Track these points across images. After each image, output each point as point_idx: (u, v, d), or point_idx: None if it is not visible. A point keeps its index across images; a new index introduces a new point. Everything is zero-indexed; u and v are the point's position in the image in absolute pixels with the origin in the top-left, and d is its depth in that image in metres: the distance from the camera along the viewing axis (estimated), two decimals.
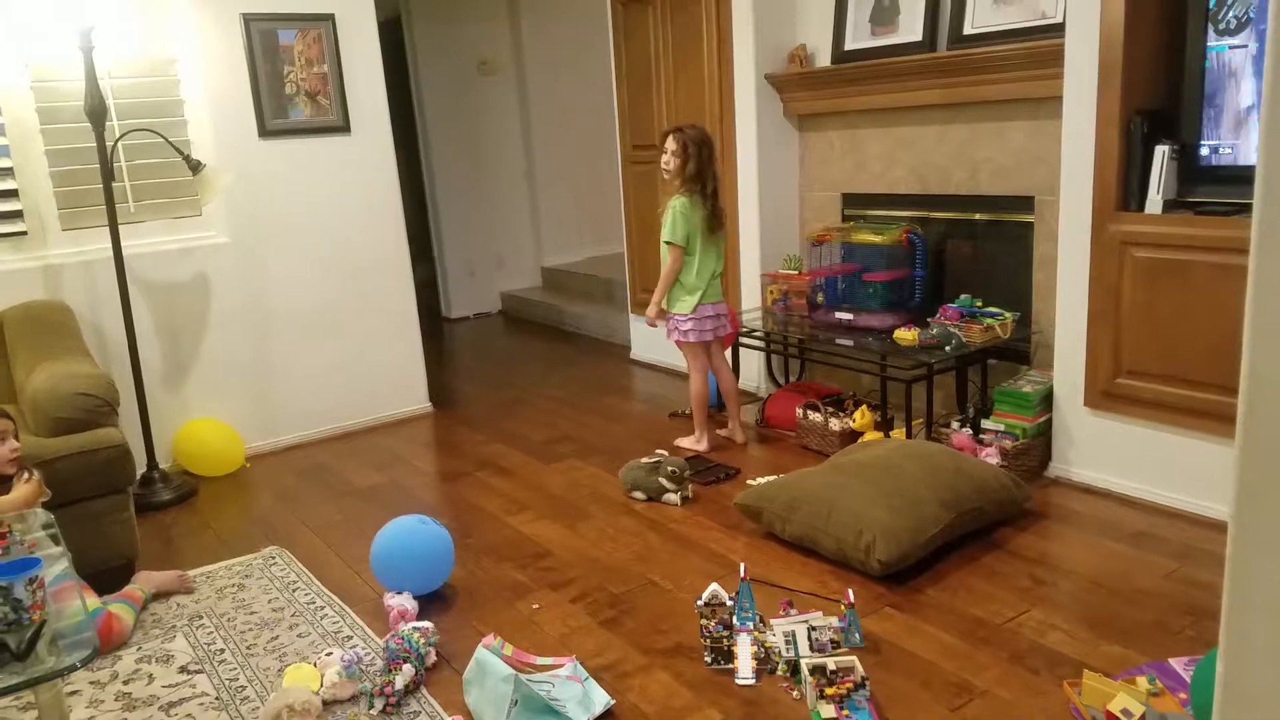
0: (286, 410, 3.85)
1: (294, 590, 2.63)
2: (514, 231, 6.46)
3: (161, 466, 3.45)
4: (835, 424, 3.34)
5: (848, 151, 3.83)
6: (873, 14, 3.59)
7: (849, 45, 3.69)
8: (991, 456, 2.94)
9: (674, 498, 3.01)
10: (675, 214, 3.27)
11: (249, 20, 3.47)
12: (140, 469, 3.41)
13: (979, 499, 2.58)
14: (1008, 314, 3.20)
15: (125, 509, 2.74)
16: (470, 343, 5.84)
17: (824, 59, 3.82)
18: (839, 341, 3.44)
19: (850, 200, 3.89)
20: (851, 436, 3.30)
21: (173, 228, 3.55)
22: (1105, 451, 2.89)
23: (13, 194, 3.22)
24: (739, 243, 4.10)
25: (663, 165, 3.28)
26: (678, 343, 3.49)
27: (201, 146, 3.51)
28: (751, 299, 4.12)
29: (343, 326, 3.93)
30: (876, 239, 3.43)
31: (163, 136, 3.26)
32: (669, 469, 3.00)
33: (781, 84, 3.88)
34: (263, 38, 3.51)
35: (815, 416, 3.42)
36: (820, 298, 3.69)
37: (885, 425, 3.27)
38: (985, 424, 3.05)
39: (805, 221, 4.10)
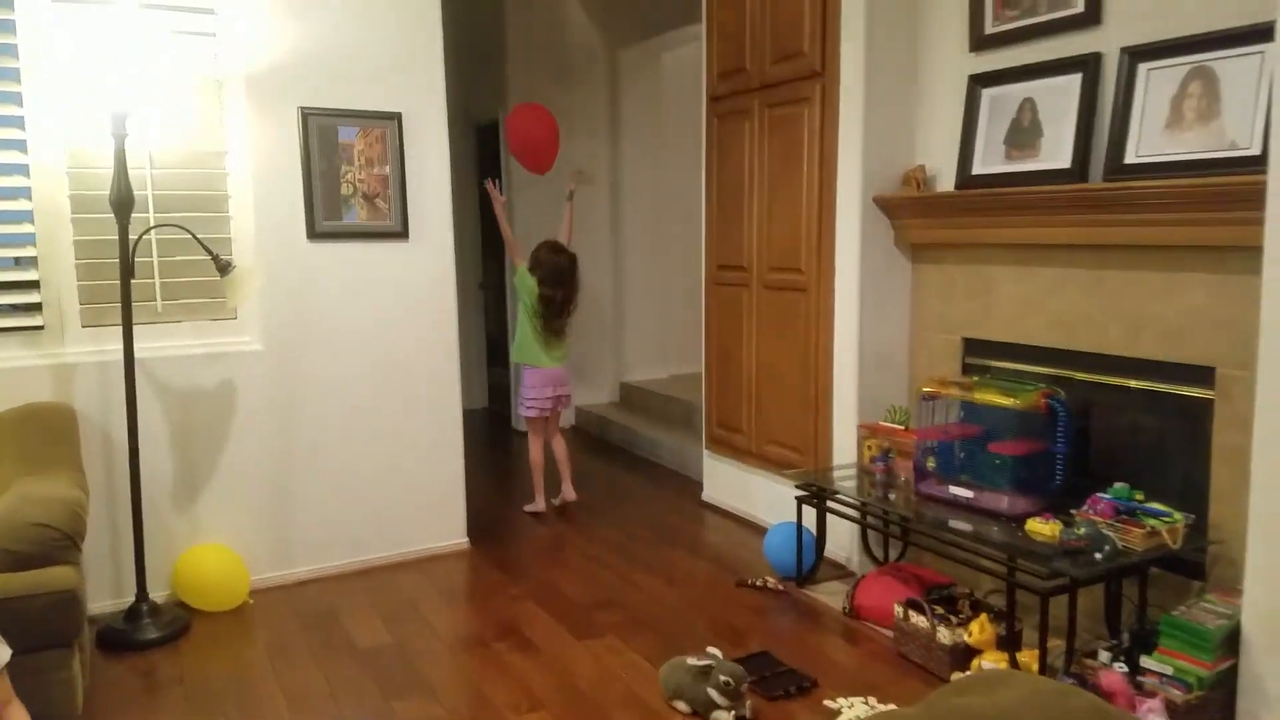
0: (305, 539, 3.42)
1: None
2: (595, 343, 6.05)
3: (155, 598, 3.05)
4: (945, 634, 2.64)
5: (974, 291, 3.23)
6: (1009, 134, 3.05)
7: (978, 169, 3.15)
8: (1155, 713, 2.19)
9: (725, 717, 2.36)
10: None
11: (307, 115, 3.22)
12: (129, 599, 3.01)
13: None
14: (1178, 516, 2.48)
15: (66, 666, 2.31)
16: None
17: (946, 182, 3.28)
18: (953, 524, 2.77)
19: (973, 348, 3.26)
20: (965, 654, 2.59)
21: (203, 330, 3.24)
22: None
23: (34, 285, 2.98)
24: (832, 384, 3.52)
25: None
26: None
27: (244, 245, 3.23)
28: (845, 452, 3.50)
29: (378, 449, 3.52)
30: (1007, 400, 2.78)
31: (190, 233, 2.98)
32: (722, 679, 2.37)
33: (894, 208, 3.35)
34: (321, 134, 3.24)
35: (919, 620, 2.73)
36: (931, 463, 3.04)
37: (1011, 643, 2.56)
38: (1146, 662, 2.31)
39: (916, 367, 3.48)
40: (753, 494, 4.04)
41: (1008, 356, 3.14)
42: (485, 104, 5.99)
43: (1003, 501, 2.76)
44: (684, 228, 5.80)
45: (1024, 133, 3.00)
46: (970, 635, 2.62)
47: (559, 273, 4.11)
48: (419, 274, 3.51)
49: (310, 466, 3.40)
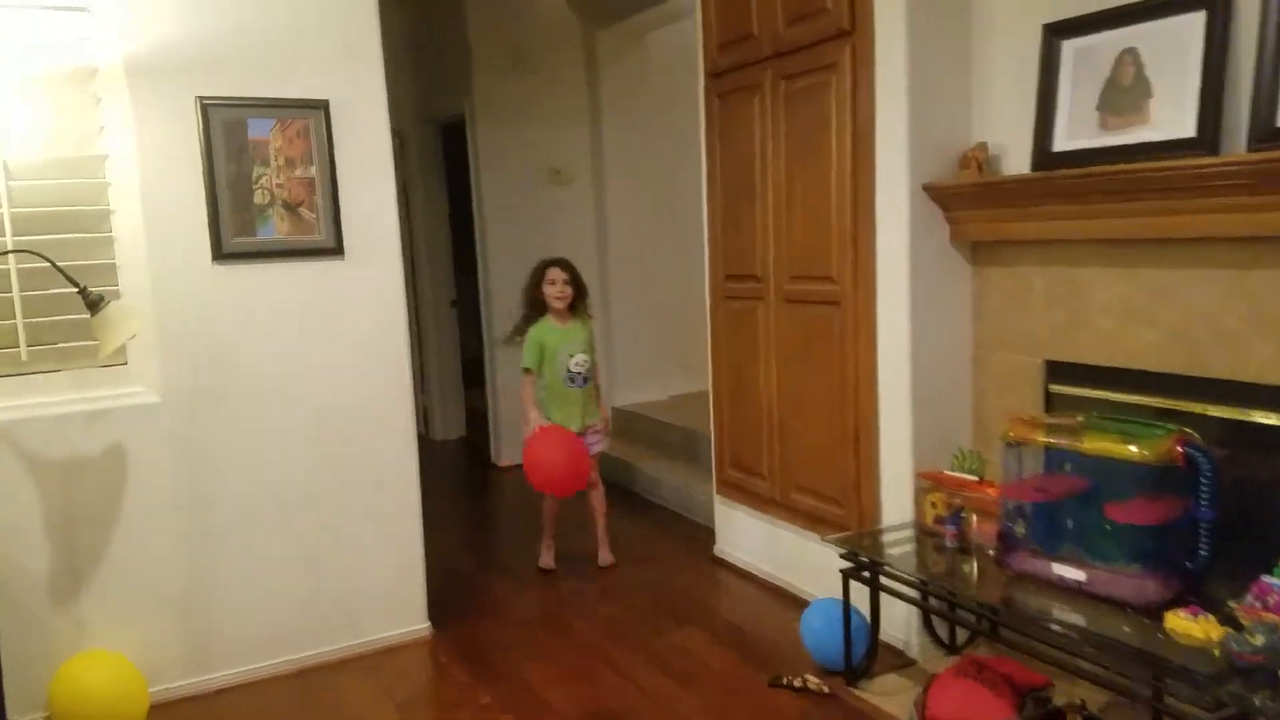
0: (223, 637, 2.73)
1: None
2: None
3: None
4: None
5: (1057, 299, 2.56)
6: (1104, 97, 2.37)
7: (1061, 144, 2.47)
8: None
9: None
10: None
11: (208, 106, 2.53)
12: None
13: None
14: None
15: None
16: (515, 502, 4.67)
17: (1017, 162, 2.60)
18: (1060, 618, 2.09)
19: (1059, 372, 2.59)
20: None
21: (84, 381, 2.55)
22: None
23: None
24: (877, 418, 2.84)
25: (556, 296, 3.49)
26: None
27: (134, 273, 2.54)
28: (896, 504, 2.82)
29: (314, 522, 2.82)
30: (1130, 450, 2.10)
31: (46, 259, 2.29)
32: None
33: (949, 197, 2.68)
34: (227, 129, 2.56)
35: None
36: (1021, 529, 2.36)
37: None
38: None
39: (981, 398, 2.81)
40: (779, 552, 3.35)
41: (1106, 384, 2.46)
42: (449, 98, 5.31)
43: (1127, 585, 2.08)
44: (678, 227, 5.12)
45: (1125, 94, 2.33)
46: None
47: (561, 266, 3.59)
48: (359, 300, 2.81)
49: (228, 547, 2.71)
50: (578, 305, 3.53)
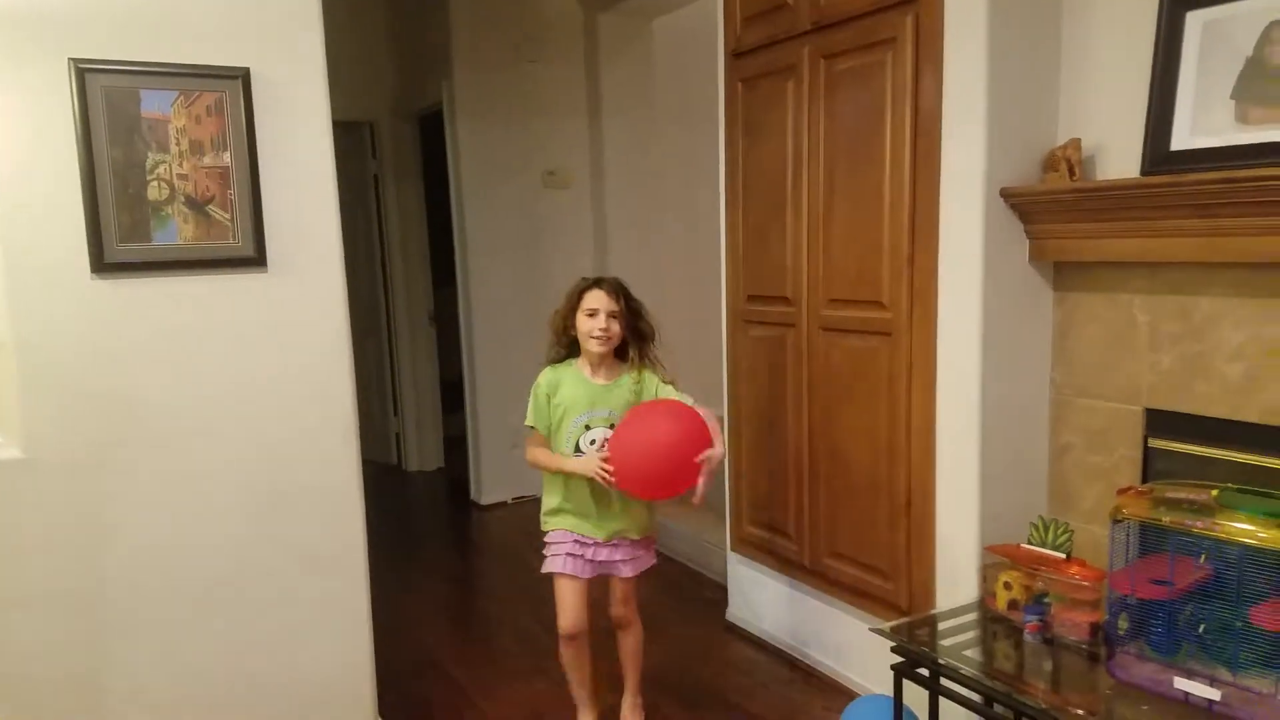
0: None
1: None
2: None
3: None
4: None
5: (1167, 334, 2.02)
6: (1243, 85, 1.84)
7: (1183, 141, 1.93)
8: None
9: None
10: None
11: (85, 71, 1.95)
12: None
13: None
14: None
15: None
16: (499, 549, 4.09)
17: (1120, 164, 2.07)
18: None
19: (1164, 425, 2.05)
20: None
21: None
22: None
23: None
24: (934, 475, 2.29)
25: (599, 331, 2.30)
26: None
27: None
28: (957, 586, 2.27)
29: (230, 603, 2.22)
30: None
31: None
32: None
33: (1032, 206, 2.14)
34: (111, 103, 1.98)
35: None
36: (1123, 625, 1.83)
37: None
38: None
39: (1062, 452, 2.26)
40: (807, 625, 2.80)
41: (1230, 442, 1.93)
42: (426, 86, 4.75)
43: (1277, 709, 1.55)
44: (690, 238, 4.56)
45: (1275, 80, 1.79)
46: None
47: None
48: (288, 322, 2.23)
49: (123, 641, 2.11)
50: (630, 351, 2.32)
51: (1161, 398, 2.04)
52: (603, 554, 2.33)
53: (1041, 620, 2.01)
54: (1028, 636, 2.02)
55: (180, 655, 2.18)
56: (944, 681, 2.04)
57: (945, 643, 2.09)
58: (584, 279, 2.34)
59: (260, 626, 2.26)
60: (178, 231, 2.07)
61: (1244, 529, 1.67)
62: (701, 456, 2.12)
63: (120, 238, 2.02)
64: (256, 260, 2.16)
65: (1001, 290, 2.16)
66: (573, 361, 2.34)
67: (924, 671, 2.06)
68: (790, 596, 2.84)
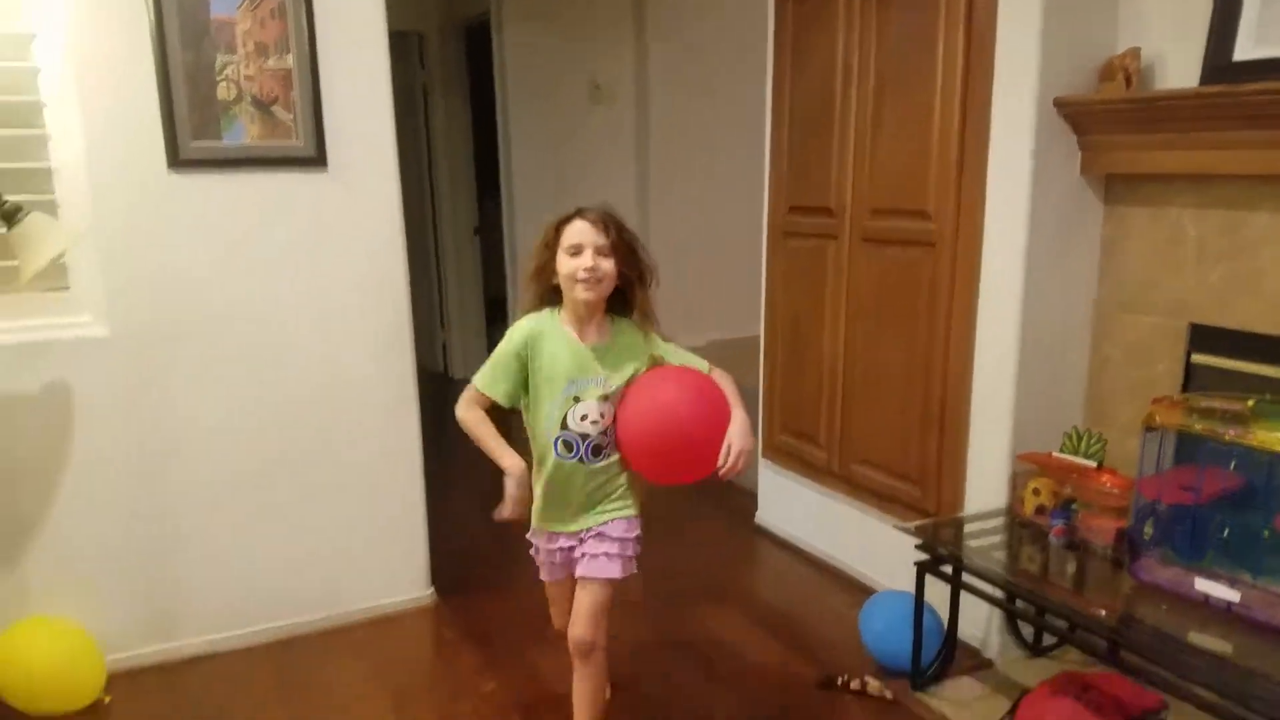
0: (193, 601, 2.36)
1: None
2: None
3: None
4: None
5: (1216, 249, 2.02)
6: None
7: (1245, 52, 1.90)
8: None
9: None
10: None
11: None
12: None
13: None
14: None
15: None
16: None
17: (1179, 74, 2.04)
18: (1197, 643, 1.64)
19: (1207, 340, 2.06)
20: None
21: (18, 307, 2.12)
22: None
23: None
24: (971, 386, 2.34)
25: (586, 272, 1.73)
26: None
27: (74, 179, 2.09)
28: (984, 489, 2.34)
29: (297, 474, 2.41)
30: None
31: None
32: None
33: (1087, 116, 2.12)
34: (183, 7, 2.05)
35: None
36: (1149, 532, 1.89)
37: None
38: None
39: (1102, 366, 2.29)
40: (833, 528, 2.90)
41: (1273, 357, 1.94)
42: None
43: None
44: (733, 154, 4.55)
45: None
46: None
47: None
48: (347, 221, 2.33)
49: (193, 502, 2.31)
50: (624, 303, 1.82)
51: (1206, 313, 2.05)
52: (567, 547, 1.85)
53: (1067, 525, 2.08)
54: (1053, 540, 2.09)
55: (241, 510, 2.37)
56: (966, 578, 2.13)
57: (970, 543, 2.17)
58: (567, 212, 1.78)
59: (317, 492, 2.44)
60: (245, 131, 2.16)
61: (1277, 437, 1.70)
62: (724, 449, 1.71)
63: (192, 135, 2.12)
64: (317, 160, 2.25)
65: (1050, 202, 2.16)
66: (555, 313, 1.78)
67: (947, 569, 2.15)
68: (819, 502, 2.94)
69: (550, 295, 1.79)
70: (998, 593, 2.11)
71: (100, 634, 2.19)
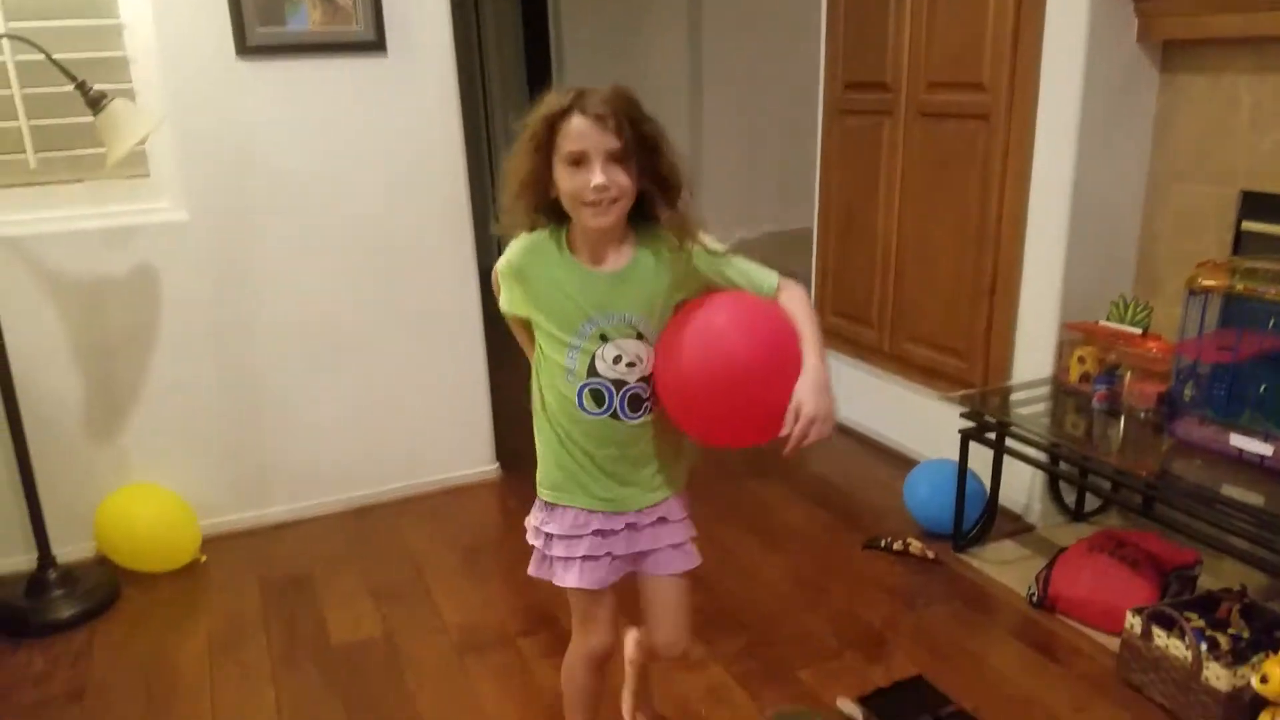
0: (278, 471, 2.56)
1: None
2: None
3: (74, 557, 2.28)
4: (1217, 673, 1.63)
5: (1271, 115, 1.99)
6: None
7: None
8: None
9: None
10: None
11: None
12: (28, 566, 2.22)
13: None
14: None
15: None
16: None
17: None
18: (1231, 495, 1.71)
19: (1259, 207, 2.06)
20: (1250, 709, 1.59)
21: (103, 193, 2.27)
22: None
23: None
24: (1021, 260, 2.37)
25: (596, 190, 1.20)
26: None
27: (146, 67, 2.20)
28: (1032, 365, 2.39)
29: (366, 349, 2.57)
30: None
31: (38, 47, 1.95)
32: None
33: None
34: None
35: (1169, 643, 1.72)
36: (1188, 393, 1.94)
37: None
38: None
39: (1153, 238, 2.30)
40: (880, 405, 2.99)
41: None
42: None
43: None
44: (787, 35, 4.43)
45: None
46: (1263, 683, 1.60)
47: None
48: (406, 105, 2.41)
49: (274, 377, 2.49)
50: (646, 216, 1.27)
51: (1259, 180, 2.04)
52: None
53: (1110, 389, 2.13)
54: (1095, 405, 2.15)
55: (317, 385, 2.54)
56: (1010, 444, 2.21)
57: (1016, 411, 2.24)
58: (555, 98, 1.25)
59: (386, 368, 2.60)
60: (307, 16, 2.23)
61: None
62: (792, 411, 1.25)
63: (259, 21, 2.20)
64: (377, 44, 2.31)
65: (1106, 70, 2.13)
66: (558, 232, 1.28)
67: (991, 436, 2.23)
68: (867, 382, 3.01)
69: (548, 211, 1.27)
70: (1041, 456, 2.19)
71: (195, 501, 2.40)
